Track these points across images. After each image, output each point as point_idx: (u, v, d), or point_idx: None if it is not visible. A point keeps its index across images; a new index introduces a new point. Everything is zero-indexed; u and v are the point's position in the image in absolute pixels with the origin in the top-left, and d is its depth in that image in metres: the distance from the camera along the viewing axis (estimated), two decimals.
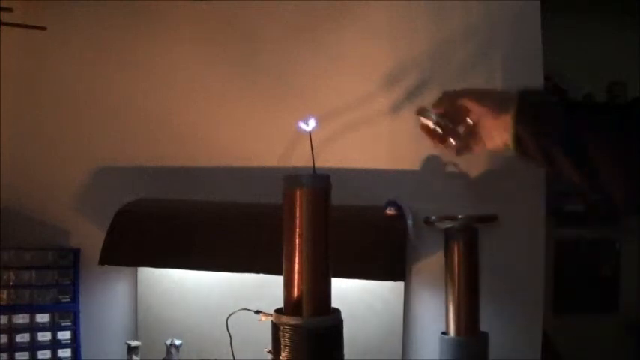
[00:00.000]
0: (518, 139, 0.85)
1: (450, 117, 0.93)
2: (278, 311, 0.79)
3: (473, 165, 1.11)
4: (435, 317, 1.06)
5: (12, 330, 1.11)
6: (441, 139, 0.95)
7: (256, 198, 1.13)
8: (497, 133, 0.88)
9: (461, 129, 0.93)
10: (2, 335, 1.10)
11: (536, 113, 0.84)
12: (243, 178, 1.19)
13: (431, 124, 0.93)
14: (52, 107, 1.27)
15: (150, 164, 1.23)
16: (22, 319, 1.13)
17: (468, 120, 0.91)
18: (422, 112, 0.94)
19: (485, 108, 0.88)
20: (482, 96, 0.90)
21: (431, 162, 1.13)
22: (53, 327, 1.15)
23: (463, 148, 0.94)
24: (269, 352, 0.79)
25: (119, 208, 1.12)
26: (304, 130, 0.80)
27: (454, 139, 0.93)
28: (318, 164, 0.80)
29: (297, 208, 0.77)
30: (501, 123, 0.86)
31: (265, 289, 1.05)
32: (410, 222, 1.03)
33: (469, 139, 0.93)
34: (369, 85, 1.14)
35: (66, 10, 1.26)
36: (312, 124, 0.80)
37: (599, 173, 0.80)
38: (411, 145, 1.12)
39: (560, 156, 0.82)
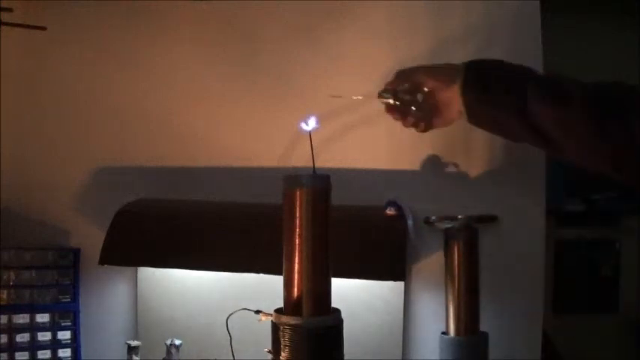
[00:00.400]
0: (468, 109, 0.89)
1: (407, 93, 0.97)
2: (278, 311, 0.79)
3: (473, 165, 1.11)
4: (435, 317, 1.06)
5: (12, 330, 1.11)
6: (403, 114, 0.97)
7: (256, 198, 1.13)
8: (451, 105, 0.92)
9: (420, 97, 0.96)
10: (2, 335, 1.10)
11: (483, 82, 0.88)
12: (243, 178, 1.19)
13: (391, 101, 0.97)
14: (52, 107, 1.27)
15: (150, 164, 1.23)
16: (22, 319, 1.12)
17: (425, 89, 0.94)
18: (380, 94, 0.98)
19: (436, 81, 0.93)
20: (433, 70, 0.94)
21: (431, 162, 1.13)
22: (53, 327, 1.14)
23: (426, 124, 0.97)
24: (269, 352, 0.79)
25: (119, 208, 1.12)
26: (305, 130, 0.80)
27: (416, 109, 0.96)
28: (318, 164, 0.80)
29: (297, 208, 0.77)
30: (452, 94, 0.90)
31: (265, 289, 1.04)
32: (410, 222, 1.03)
33: (429, 113, 0.96)
34: (369, 85, 1.13)
35: (66, 10, 1.26)
36: (312, 123, 0.80)
37: (551, 136, 0.83)
38: (411, 145, 1.12)
39: (510, 122, 0.85)
